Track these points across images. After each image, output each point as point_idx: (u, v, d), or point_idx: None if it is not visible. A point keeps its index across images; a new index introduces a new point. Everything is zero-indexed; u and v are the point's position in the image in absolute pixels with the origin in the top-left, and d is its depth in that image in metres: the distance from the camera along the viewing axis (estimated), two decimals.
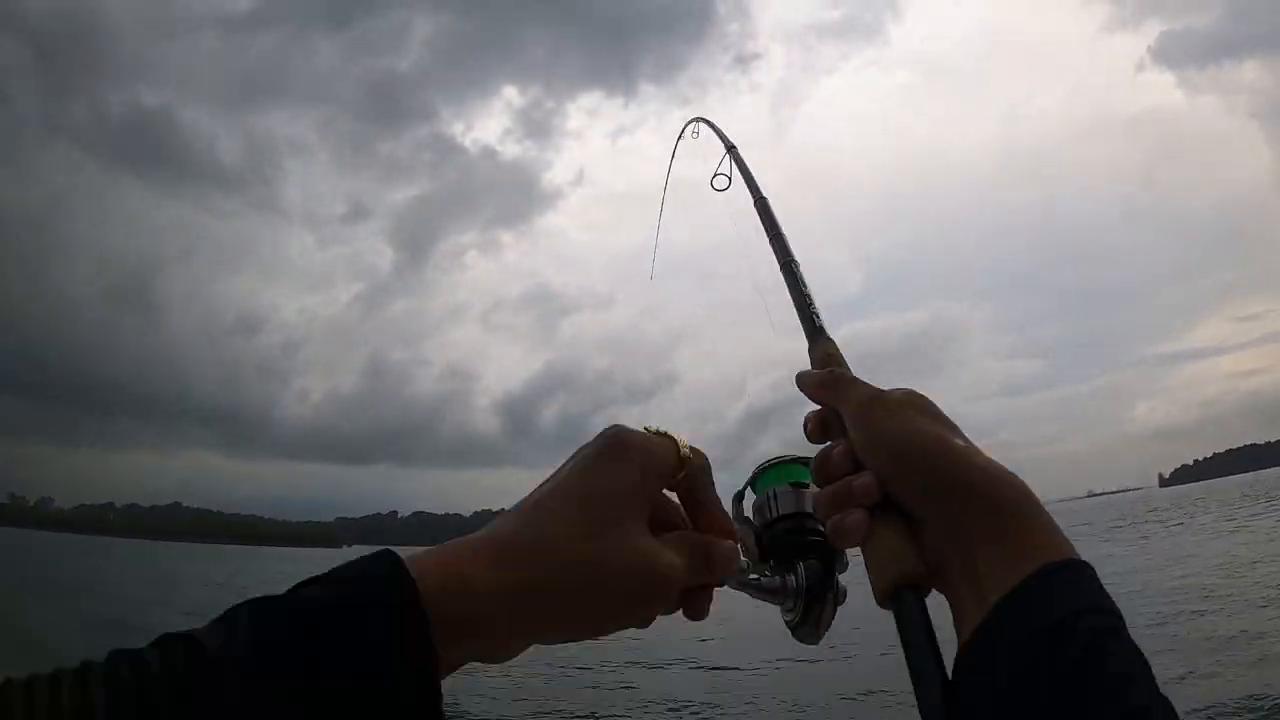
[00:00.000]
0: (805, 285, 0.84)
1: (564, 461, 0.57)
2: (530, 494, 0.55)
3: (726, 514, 0.64)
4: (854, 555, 0.69)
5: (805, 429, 0.72)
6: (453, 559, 0.49)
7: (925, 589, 0.60)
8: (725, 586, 0.66)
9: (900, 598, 0.60)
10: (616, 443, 0.56)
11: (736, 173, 1.06)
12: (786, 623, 0.72)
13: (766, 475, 0.75)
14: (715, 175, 1.09)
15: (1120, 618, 0.51)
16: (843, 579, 0.71)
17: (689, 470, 0.60)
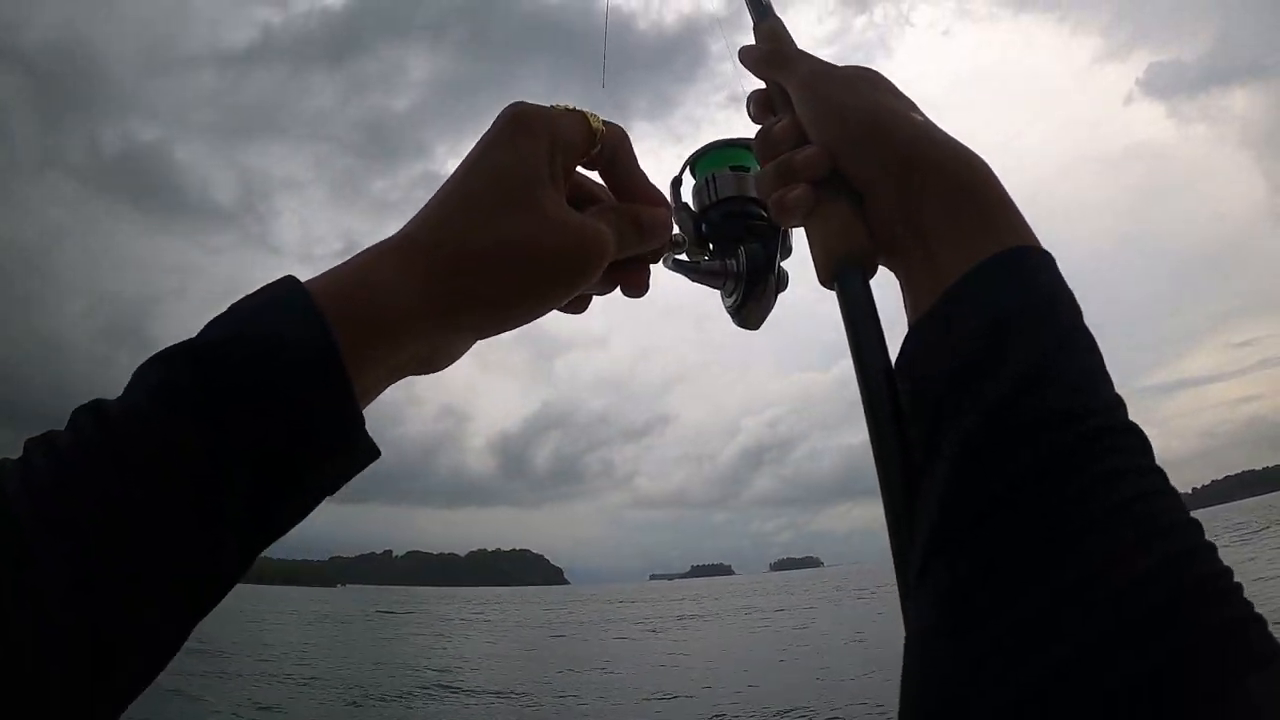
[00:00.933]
0: None
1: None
2: (438, 189, 0.50)
3: (654, 185, 0.59)
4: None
5: (747, 108, 0.65)
6: (357, 269, 0.45)
7: (872, 268, 0.55)
8: (664, 265, 0.65)
9: (845, 276, 0.54)
10: (516, 118, 0.51)
11: None
12: (727, 307, 0.69)
13: (705, 159, 0.71)
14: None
15: (1078, 310, 0.46)
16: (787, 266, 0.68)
17: (605, 143, 0.56)
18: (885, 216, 0.53)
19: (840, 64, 0.61)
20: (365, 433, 0.43)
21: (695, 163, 0.71)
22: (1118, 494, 0.38)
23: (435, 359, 0.50)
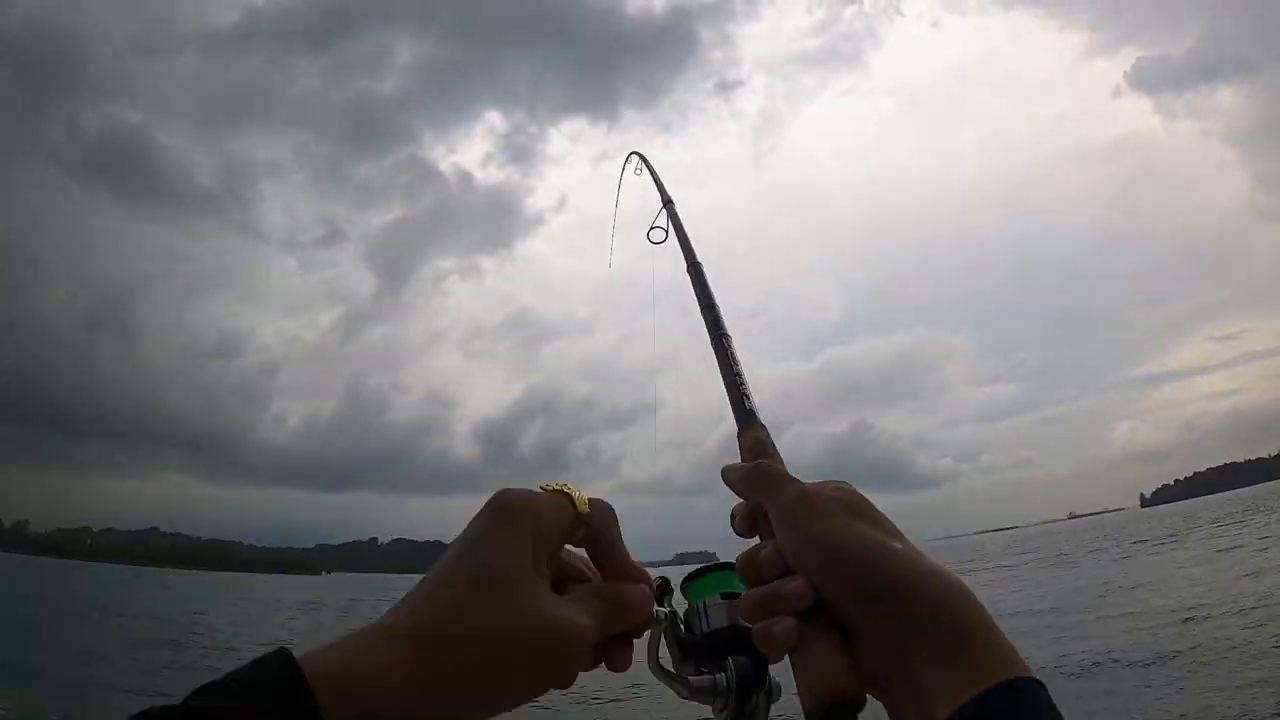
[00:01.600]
0: (738, 363, 0.77)
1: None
2: (421, 581, 0.54)
3: (635, 563, 0.62)
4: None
5: (732, 523, 0.68)
6: (348, 655, 0.48)
7: (859, 706, 0.56)
8: (652, 672, 0.67)
9: (832, 716, 0.55)
10: (502, 508, 0.56)
11: (674, 230, 0.99)
12: None
13: (697, 584, 0.72)
14: (652, 228, 1.02)
15: None
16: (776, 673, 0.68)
17: (590, 524, 0.59)
18: (872, 652, 0.55)
19: (819, 482, 0.63)
20: None
21: (686, 586, 0.72)
22: None
23: None
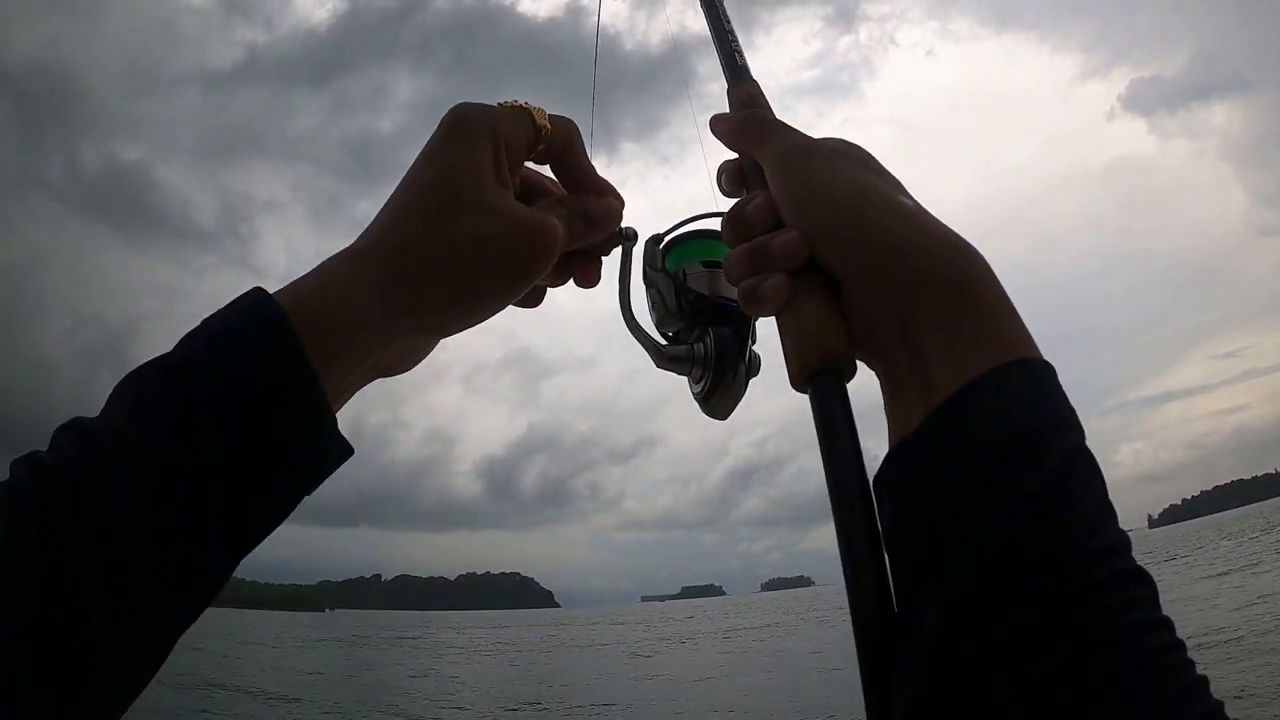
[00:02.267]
0: (728, 19, 0.70)
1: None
2: (390, 195, 0.52)
3: (603, 178, 0.59)
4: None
5: (718, 182, 0.61)
6: (319, 281, 0.47)
7: (850, 370, 0.50)
8: (628, 328, 0.63)
9: (820, 380, 0.49)
10: (457, 119, 0.52)
11: None
12: (694, 394, 0.65)
13: (677, 249, 0.67)
14: None
15: (1083, 432, 0.42)
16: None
17: (553, 139, 0.56)
18: (867, 311, 0.48)
19: (820, 135, 0.57)
20: (337, 430, 0.46)
21: (668, 250, 0.67)
22: (1143, 646, 0.35)
23: (401, 361, 0.53)
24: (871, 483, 0.45)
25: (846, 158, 0.53)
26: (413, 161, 0.53)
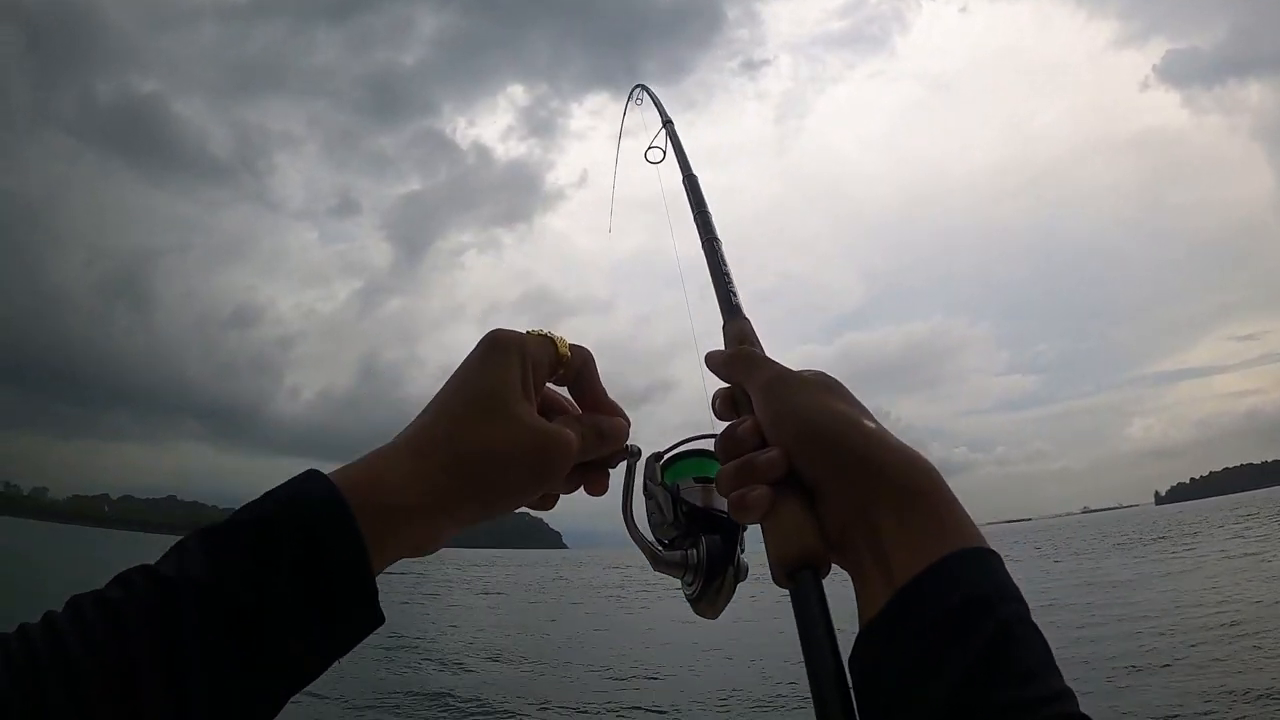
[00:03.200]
0: (725, 264, 0.84)
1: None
2: (428, 404, 0.62)
3: (613, 401, 0.70)
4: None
5: (713, 407, 0.72)
6: (372, 468, 0.56)
7: (825, 568, 0.59)
8: (630, 536, 0.72)
9: (799, 576, 0.58)
10: (493, 342, 0.63)
11: (672, 150, 1.07)
12: (686, 595, 0.72)
13: (674, 467, 0.76)
14: (650, 148, 1.10)
15: (1027, 606, 0.51)
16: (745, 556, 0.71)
17: (571, 365, 0.67)
18: (838, 516, 0.58)
19: (799, 368, 0.67)
20: (377, 603, 0.53)
21: (666, 467, 0.76)
22: None
23: (427, 545, 0.60)
24: (846, 664, 0.53)
25: (819, 387, 0.64)
26: (453, 372, 0.63)
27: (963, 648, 0.47)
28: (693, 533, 0.72)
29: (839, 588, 0.59)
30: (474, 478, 0.59)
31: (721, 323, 0.79)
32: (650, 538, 0.74)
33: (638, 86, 1.23)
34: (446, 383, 0.63)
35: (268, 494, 0.53)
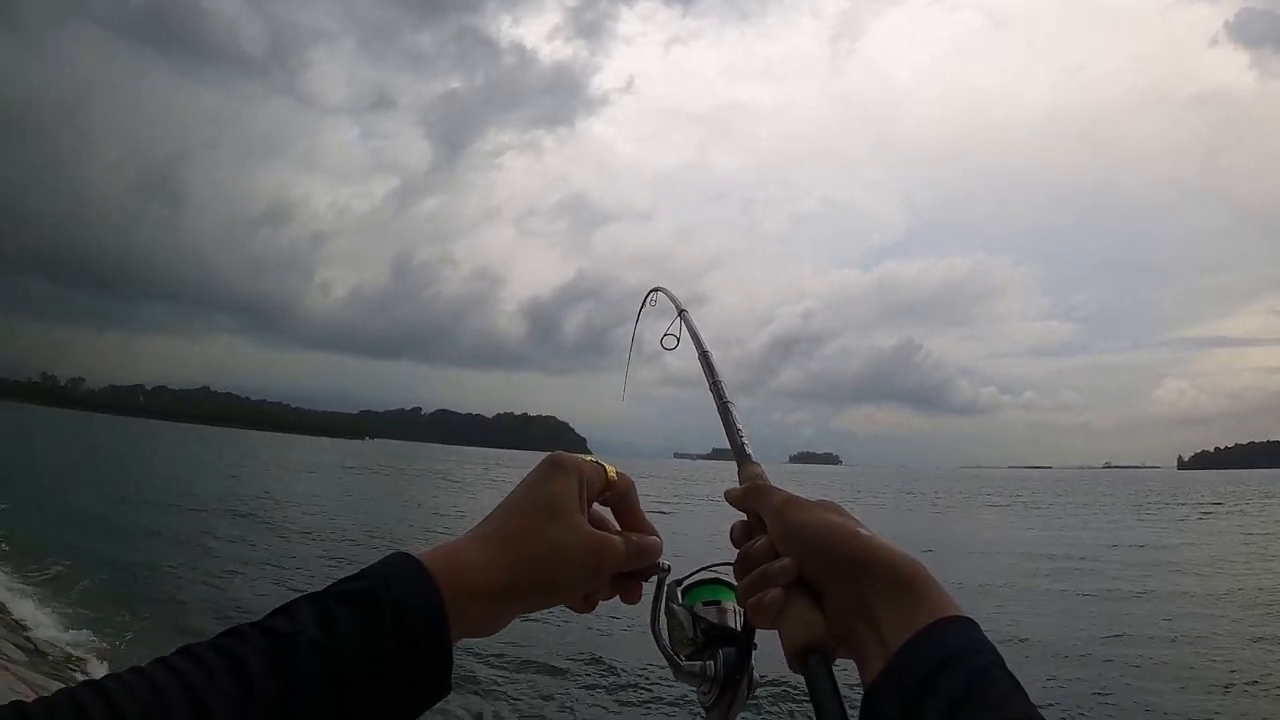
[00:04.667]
0: (738, 423, 0.98)
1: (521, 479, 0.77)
2: (496, 507, 0.75)
3: (649, 522, 0.82)
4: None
5: (731, 536, 0.83)
6: (454, 552, 0.69)
7: (832, 654, 0.70)
8: (655, 646, 0.85)
9: (811, 660, 0.69)
10: (556, 462, 0.77)
11: (686, 334, 1.21)
12: (701, 703, 0.83)
13: (693, 590, 0.89)
14: (665, 335, 1.24)
15: (1001, 657, 0.62)
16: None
17: (617, 488, 0.80)
18: (842, 610, 0.70)
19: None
20: (450, 675, 0.64)
21: (685, 592, 0.88)
22: None
23: (491, 625, 0.71)
24: None
25: (821, 506, 0.76)
26: (520, 484, 0.76)
27: (947, 687, 0.59)
28: (710, 646, 0.83)
29: (846, 674, 0.70)
30: (539, 569, 0.71)
31: (737, 469, 0.91)
32: (671, 650, 0.85)
33: (653, 291, 1.37)
34: (514, 491, 0.76)
35: (364, 571, 0.64)
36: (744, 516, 0.83)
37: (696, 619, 0.85)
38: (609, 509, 0.81)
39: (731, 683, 0.81)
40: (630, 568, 0.79)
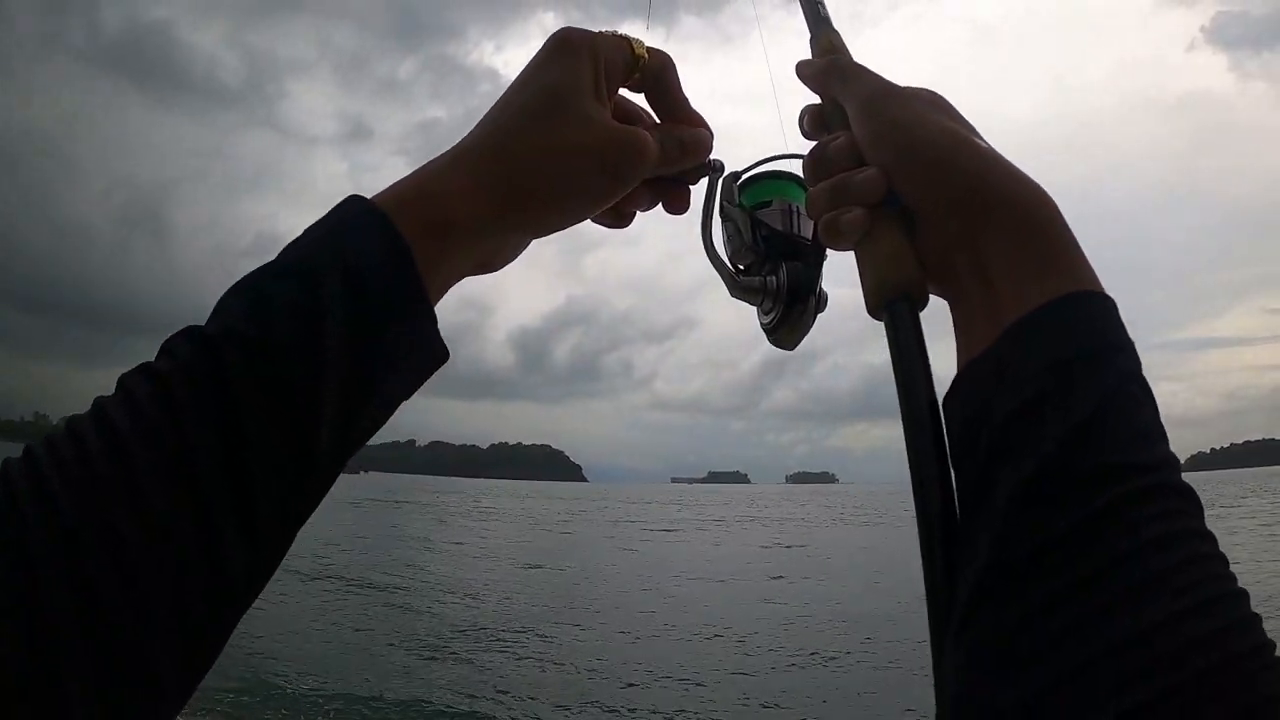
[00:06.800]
0: None
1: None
2: (486, 111, 0.55)
3: (695, 110, 0.61)
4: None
5: (800, 124, 0.63)
6: (421, 179, 0.50)
7: (923, 300, 0.54)
8: (708, 256, 0.67)
9: (895, 307, 0.53)
10: (561, 39, 0.55)
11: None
12: (763, 325, 0.67)
13: (754, 188, 0.69)
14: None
15: (1139, 361, 0.46)
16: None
17: (650, 69, 0.59)
18: (943, 245, 0.52)
19: (904, 84, 0.58)
20: (438, 333, 0.48)
21: (743, 189, 0.69)
22: (1171, 556, 0.38)
23: (494, 260, 0.55)
24: (941, 402, 0.49)
25: (926, 102, 0.56)
26: (518, 75, 0.55)
27: (1069, 404, 0.42)
28: (772, 258, 0.66)
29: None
30: (541, 178, 0.52)
31: (809, 37, 0.68)
32: (728, 262, 0.68)
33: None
34: (511, 84, 0.55)
35: (308, 229, 0.47)
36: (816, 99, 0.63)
37: (756, 224, 0.67)
38: (644, 95, 0.60)
39: (797, 299, 0.64)
40: (670, 169, 0.59)
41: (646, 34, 0.58)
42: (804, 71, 0.64)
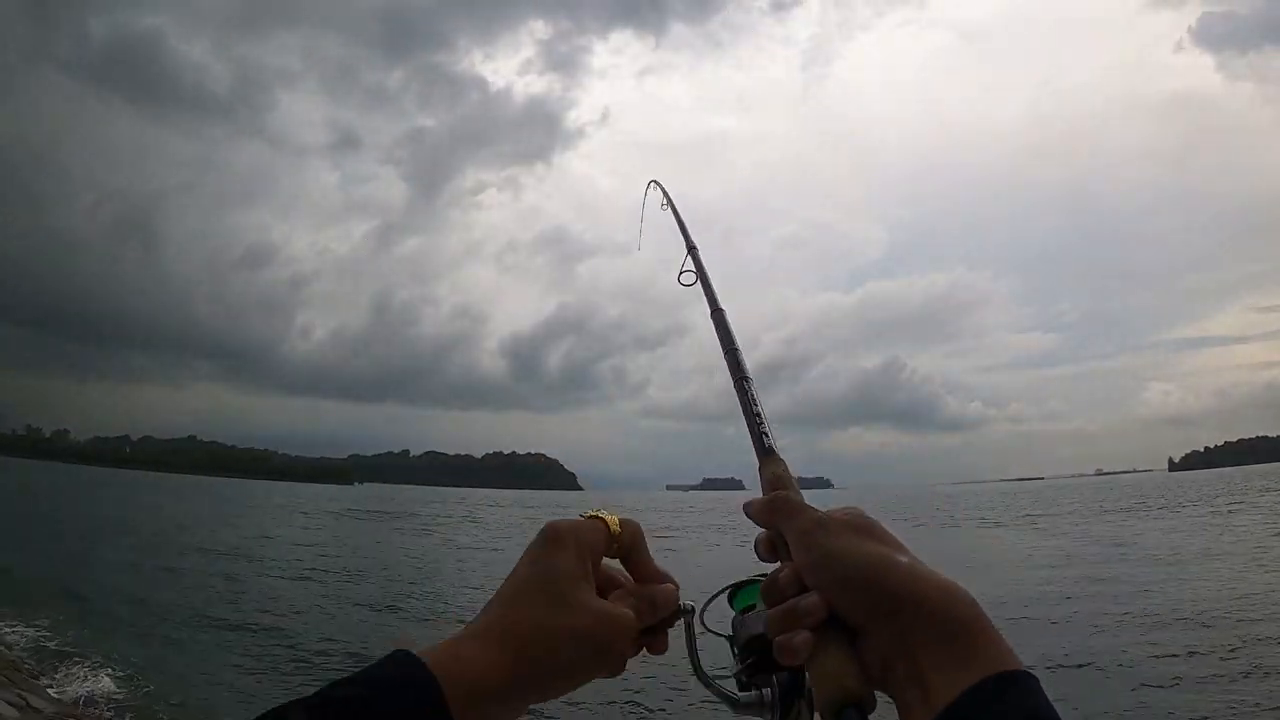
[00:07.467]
0: (757, 403, 0.86)
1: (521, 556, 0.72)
2: (498, 591, 0.69)
3: (660, 569, 0.76)
4: None
5: (755, 549, 0.76)
6: (454, 650, 0.63)
7: (870, 704, 0.63)
8: (704, 686, 0.80)
9: (844, 715, 0.62)
10: (551, 534, 0.70)
11: (699, 277, 1.07)
12: None
13: (740, 594, 0.85)
14: (681, 272, 1.12)
15: None
16: None
17: (623, 540, 0.74)
18: (881, 653, 0.62)
19: (832, 509, 0.71)
20: None
21: (733, 596, 0.85)
22: None
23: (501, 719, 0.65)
24: None
25: (854, 529, 0.67)
26: (518, 562, 0.70)
27: None
28: (760, 672, 0.78)
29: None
30: (547, 661, 0.66)
31: (757, 465, 0.82)
32: (720, 688, 0.80)
33: (652, 183, 1.23)
34: (511, 574, 0.70)
35: (364, 672, 0.59)
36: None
37: (741, 648, 0.79)
38: (619, 560, 0.75)
39: (790, 707, 0.77)
40: (649, 622, 0.73)
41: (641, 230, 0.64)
42: (751, 510, 0.76)
